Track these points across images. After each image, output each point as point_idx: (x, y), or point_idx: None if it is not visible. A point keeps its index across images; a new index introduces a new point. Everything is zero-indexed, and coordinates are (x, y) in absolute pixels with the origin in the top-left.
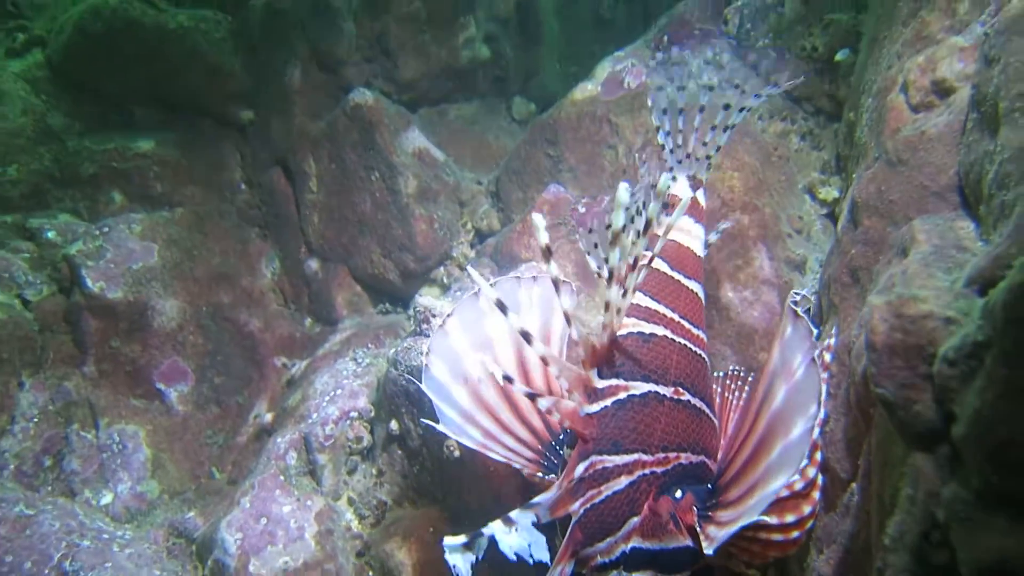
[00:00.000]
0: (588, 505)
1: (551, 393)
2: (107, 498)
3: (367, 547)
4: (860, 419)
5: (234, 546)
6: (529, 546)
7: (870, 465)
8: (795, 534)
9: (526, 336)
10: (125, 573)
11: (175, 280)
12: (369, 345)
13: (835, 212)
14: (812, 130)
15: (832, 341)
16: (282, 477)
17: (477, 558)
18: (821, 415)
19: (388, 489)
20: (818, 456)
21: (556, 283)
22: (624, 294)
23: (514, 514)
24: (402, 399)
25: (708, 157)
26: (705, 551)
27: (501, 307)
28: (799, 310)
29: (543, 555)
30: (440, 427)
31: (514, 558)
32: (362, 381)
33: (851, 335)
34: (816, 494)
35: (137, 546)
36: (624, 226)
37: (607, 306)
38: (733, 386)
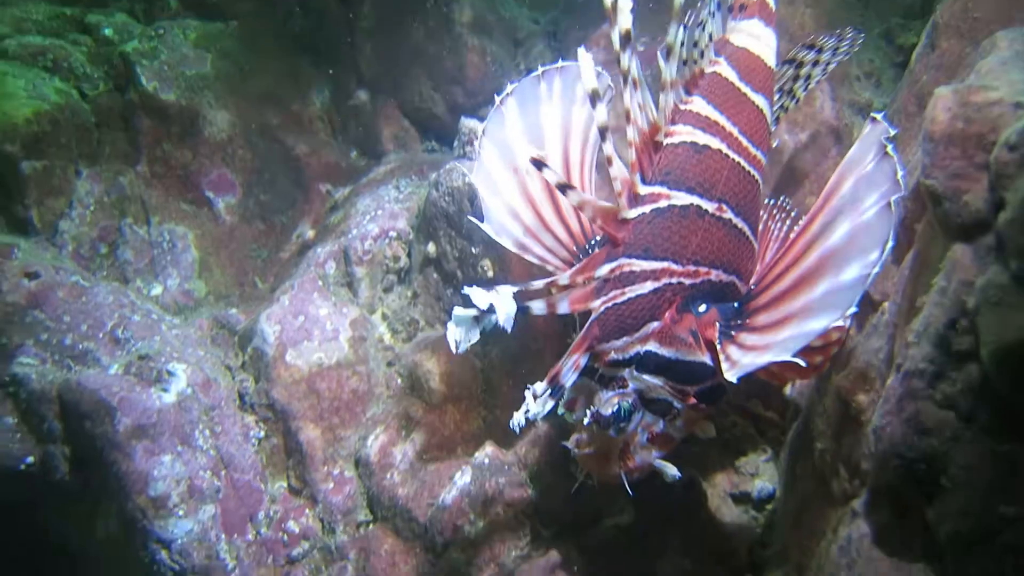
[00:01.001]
0: (610, 304)
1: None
2: (157, 290)
3: (398, 358)
4: (903, 238)
5: (272, 336)
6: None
7: (904, 282)
8: (819, 359)
9: (602, 132)
10: (172, 347)
11: (227, 93)
12: (413, 176)
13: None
14: None
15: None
16: (320, 283)
17: (480, 331)
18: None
19: (421, 310)
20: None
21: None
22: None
23: (532, 303)
24: (441, 221)
25: None
26: (727, 375)
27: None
28: (889, 146)
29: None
30: (484, 226)
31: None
32: (403, 205)
33: (910, 161)
34: (847, 323)
35: (184, 329)
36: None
37: (658, 108)
38: (779, 216)
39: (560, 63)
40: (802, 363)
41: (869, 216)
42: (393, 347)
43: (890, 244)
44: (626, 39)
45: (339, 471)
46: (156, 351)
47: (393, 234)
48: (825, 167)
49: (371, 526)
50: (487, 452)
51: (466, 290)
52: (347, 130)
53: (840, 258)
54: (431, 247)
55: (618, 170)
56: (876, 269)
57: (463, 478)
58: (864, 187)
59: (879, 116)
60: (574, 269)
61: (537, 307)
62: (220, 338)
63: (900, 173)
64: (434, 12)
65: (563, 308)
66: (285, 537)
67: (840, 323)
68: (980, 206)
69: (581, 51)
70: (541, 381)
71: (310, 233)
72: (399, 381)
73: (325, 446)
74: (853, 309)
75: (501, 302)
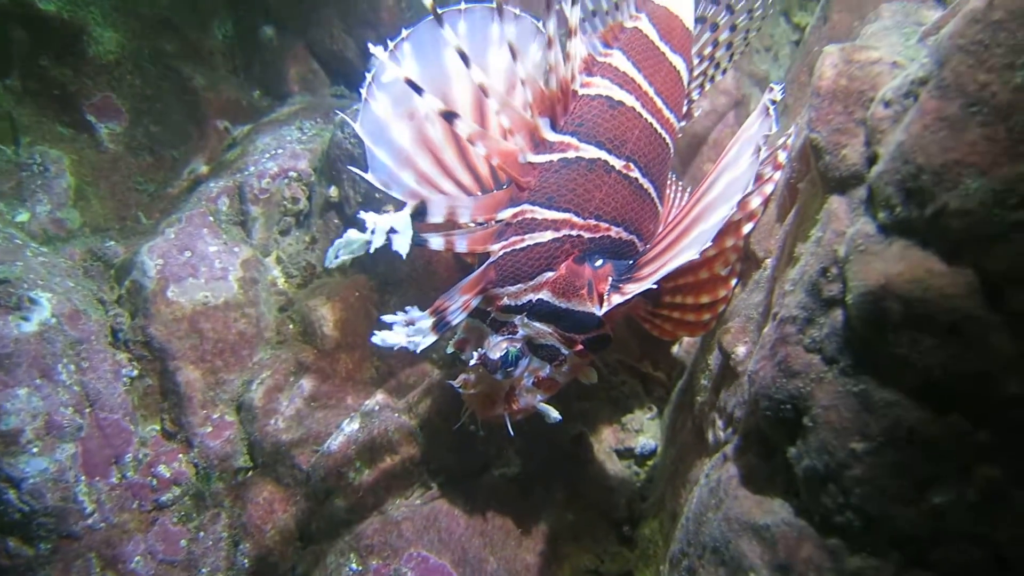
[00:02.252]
0: (508, 249)
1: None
2: (23, 216)
3: (290, 303)
4: (787, 199)
5: (153, 270)
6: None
7: (785, 238)
8: (706, 317)
9: (464, 58)
10: (36, 275)
11: (116, 11)
12: (318, 119)
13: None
14: None
15: (790, 140)
16: (211, 218)
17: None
18: (735, 207)
19: (319, 255)
20: (744, 231)
21: (501, 9)
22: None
23: (430, 236)
24: (345, 163)
25: None
26: (602, 308)
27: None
28: (771, 106)
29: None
30: (368, 176)
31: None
32: (306, 147)
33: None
34: (733, 280)
35: (51, 257)
36: None
37: (565, 55)
38: (680, 187)
39: (463, 5)
40: (690, 318)
41: (741, 167)
42: (287, 292)
43: (750, 185)
44: None
45: (219, 415)
46: (17, 276)
47: (293, 174)
48: (724, 134)
49: (250, 473)
50: (377, 399)
51: (362, 215)
52: (250, 67)
53: (713, 207)
54: (333, 190)
55: (508, 109)
56: (735, 208)
57: (351, 425)
58: (744, 145)
59: (776, 86)
60: (476, 204)
61: (435, 242)
62: (94, 270)
63: (774, 124)
64: None
65: (461, 246)
66: (154, 481)
67: (729, 282)
68: (856, 159)
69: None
70: (423, 312)
71: (204, 169)
72: (291, 326)
73: (205, 389)
74: (708, 244)
75: (398, 225)
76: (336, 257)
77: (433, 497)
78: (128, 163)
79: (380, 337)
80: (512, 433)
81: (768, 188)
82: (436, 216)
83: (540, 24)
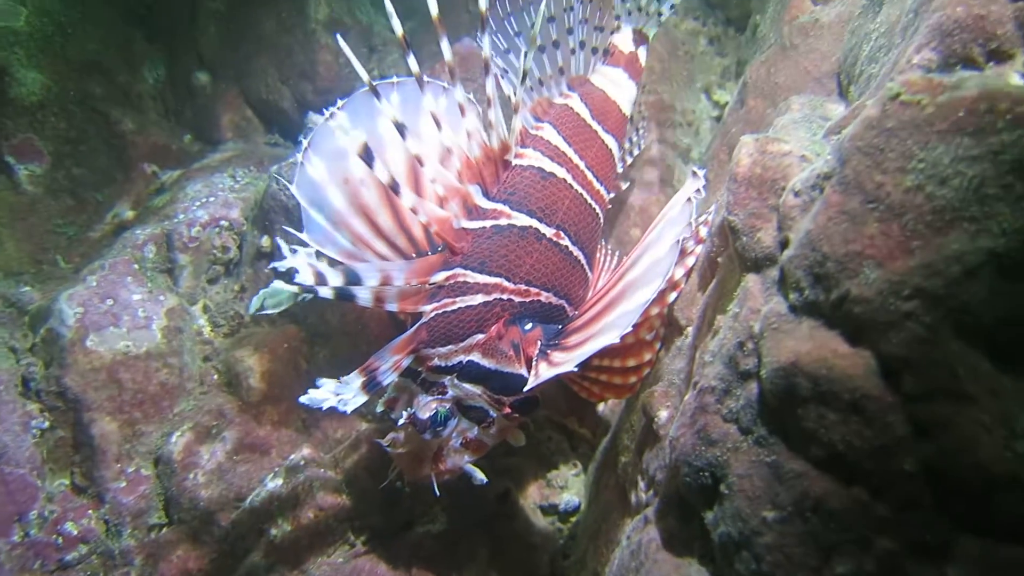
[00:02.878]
0: (440, 311)
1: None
2: None
3: (216, 353)
4: (708, 270)
5: (72, 318)
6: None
7: (705, 308)
8: (632, 380)
9: (400, 129)
10: None
11: (42, 53)
12: (252, 167)
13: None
14: (720, 36)
15: (710, 217)
16: (136, 266)
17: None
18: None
19: (247, 305)
20: (668, 300)
21: (420, 81)
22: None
23: (359, 291)
24: (279, 215)
25: (660, 13)
26: (529, 383)
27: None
28: (693, 196)
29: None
30: (304, 236)
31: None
32: (238, 195)
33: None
34: (658, 344)
35: None
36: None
37: (487, 123)
38: (611, 252)
39: (395, 78)
40: (617, 381)
41: (663, 253)
42: (213, 341)
43: (667, 275)
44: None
45: (134, 469)
46: None
47: (224, 223)
48: (648, 200)
49: (164, 530)
50: (303, 454)
51: (289, 259)
52: (182, 112)
53: (636, 286)
54: (265, 240)
55: (443, 178)
56: (654, 295)
57: (275, 480)
58: (667, 228)
59: (700, 171)
60: (410, 269)
61: (364, 297)
62: (5, 316)
63: (693, 217)
64: (287, 4)
65: (392, 305)
66: (59, 540)
67: (654, 346)
68: (770, 243)
69: (340, 38)
70: (353, 372)
71: (129, 214)
72: (215, 376)
73: (122, 441)
74: (628, 329)
75: (329, 279)
76: (262, 307)
77: (356, 554)
78: (48, 205)
79: (309, 397)
80: (438, 493)
81: (690, 261)
82: (369, 281)
83: (469, 96)
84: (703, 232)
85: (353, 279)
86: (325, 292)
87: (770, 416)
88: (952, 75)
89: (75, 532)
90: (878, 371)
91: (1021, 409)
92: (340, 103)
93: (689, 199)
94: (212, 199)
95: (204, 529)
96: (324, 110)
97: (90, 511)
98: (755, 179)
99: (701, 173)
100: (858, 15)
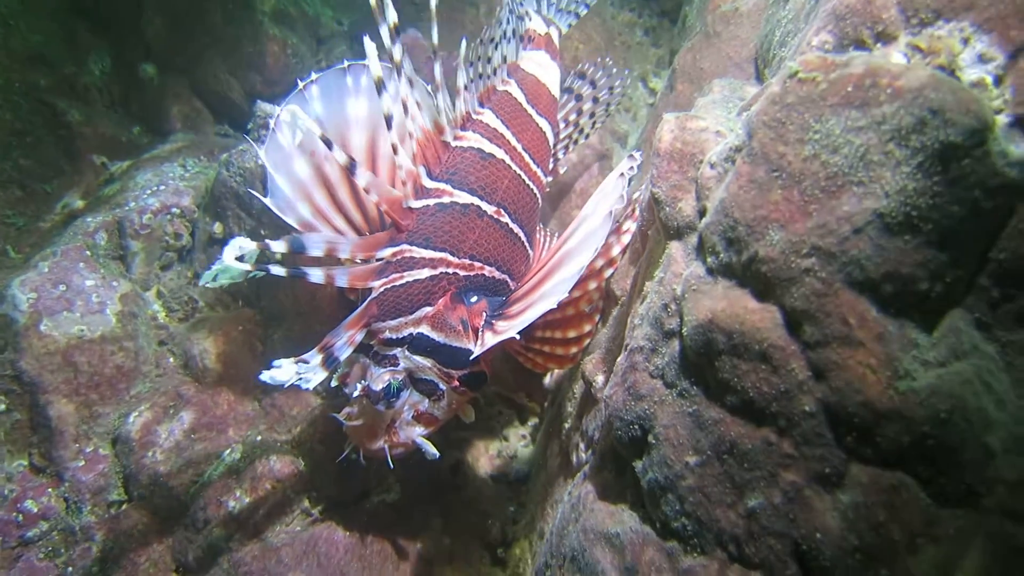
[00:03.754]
0: (389, 286)
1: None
2: None
3: (171, 337)
4: (640, 243)
5: (26, 303)
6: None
7: (636, 278)
8: (573, 350)
9: (388, 120)
10: None
11: None
12: (202, 157)
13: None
14: (655, 27)
15: (642, 195)
16: (88, 252)
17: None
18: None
19: (201, 291)
20: (605, 275)
21: (379, 84)
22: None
23: (310, 269)
24: (230, 201)
25: (577, 13)
26: (474, 352)
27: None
28: (626, 172)
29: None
30: (267, 201)
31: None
32: (189, 184)
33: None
34: (596, 316)
35: None
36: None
37: (439, 111)
38: (548, 233)
39: (345, 63)
40: (559, 352)
41: (597, 222)
42: (168, 326)
43: (599, 246)
44: (393, 33)
45: (92, 449)
46: None
47: (176, 211)
48: (589, 183)
49: (124, 506)
50: (260, 430)
51: (234, 240)
52: (129, 104)
53: (572, 255)
54: (217, 227)
55: (403, 160)
56: (588, 262)
57: (232, 455)
58: (602, 201)
59: (636, 154)
60: (356, 243)
61: (315, 275)
62: None
63: (626, 190)
64: None
65: (341, 281)
66: (19, 517)
67: (593, 318)
68: (690, 212)
69: (367, 40)
70: (312, 350)
71: (79, 204)
72: (171, 360)
73: (79, 422)
74: (565, 295)
75: (273, 246)
76: (215, 279)
77: (313, 522)
78: None
79: (269, 375)
80: (392, 466)
81: (626, 238)
82: (314, 250)
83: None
84: (637, 211)
85: (298, 247)
86: (277, 269)
87: (691, 370)
88: (844, 55)
89: (35, 510)
90: (782, 323)
91: (903, 352)
92: (315, 76)
93: (622, 174)
94: (163, 187)
95: (164, 504)
96: (299, 80)
97: (49, 489)
98: (676, 153)
99: (637, 155)
100: (771, 3)
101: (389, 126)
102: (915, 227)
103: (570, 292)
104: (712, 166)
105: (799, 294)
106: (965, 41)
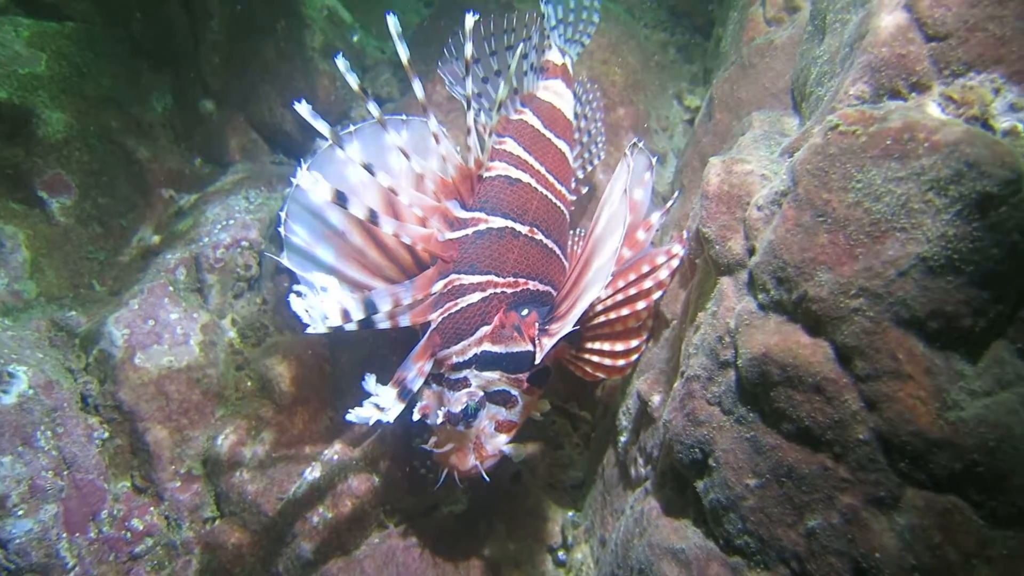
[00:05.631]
0: (446, 315)
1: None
2: None
3: (247, 362)
4: (688, 270)
5: (121, 339)
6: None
7: (687, 303)
8: (621, 362)
9: (368, 168)
10: (9, 349)
11: (63, 94)
12: (262, 188)
13: (696, 118)
14: (687, 44)
15: (692, 224)
16: (171, 288)
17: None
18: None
19: (271, 317)
20: (654, 297)
21: (382, 122)
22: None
23: (377, 319)
24: None
25: (582, 43)
26: (537, 357)
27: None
28: (629, 152)
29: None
30: (283, 259)
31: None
32: (254, 216)
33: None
34: (645, 334)
35: (18, 331)
36: (471, 64)
37: (468, 147)
38: (579, 238)
39: (404, 116)
40: (608, 363)
41: (614, 203)
42: (243, 351)
43: (627, 219)
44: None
45: (186, 470)
46: None
47: (245, 243)
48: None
49: (217, 521)
50: (336, 449)
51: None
52: (191, 138)
53: (602, 240)
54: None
55: (426, 201)
56: (620, 242)
57: (313, 474)
58: (615, 183)
59: (639, 143)
60: (414, 285)
61: (382, 323)
62: (58, 340)
63: (630, 166)
64: (285, 34)
65: (405, 321)
66: (128, 535)
67: (641, 335)
68: (739, 250)
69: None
70: (386, 385)
71: (154, 238)
72: (249, 384)
73: (173, 446)
74: (608, 279)
75: (352, 313)
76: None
77: (390, 535)
78: (79, 234)
79: (355, 415)
80: (488, 480)
81: (675, 263)
82: (384, 306)
83: (432, 122)
84: (684, 236)
85: (371, 308)
86: (351, 327)
87: (747, 398)
88: (881, 107)
89: (141, 527)
90: (834, 358)
91: (951, 383)
92: (305, 164)
93: (625, 154)
94: (231, 221)
95: (254, 519)
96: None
97: (151, 508)
98: (723, 196)
99: (640, 143)
100: (805, 39)
101: (372, 173)
102: (957, 269)
103: (620, 310)
104: (759, 208)
105: (849, 331)
106: (996, 91)
